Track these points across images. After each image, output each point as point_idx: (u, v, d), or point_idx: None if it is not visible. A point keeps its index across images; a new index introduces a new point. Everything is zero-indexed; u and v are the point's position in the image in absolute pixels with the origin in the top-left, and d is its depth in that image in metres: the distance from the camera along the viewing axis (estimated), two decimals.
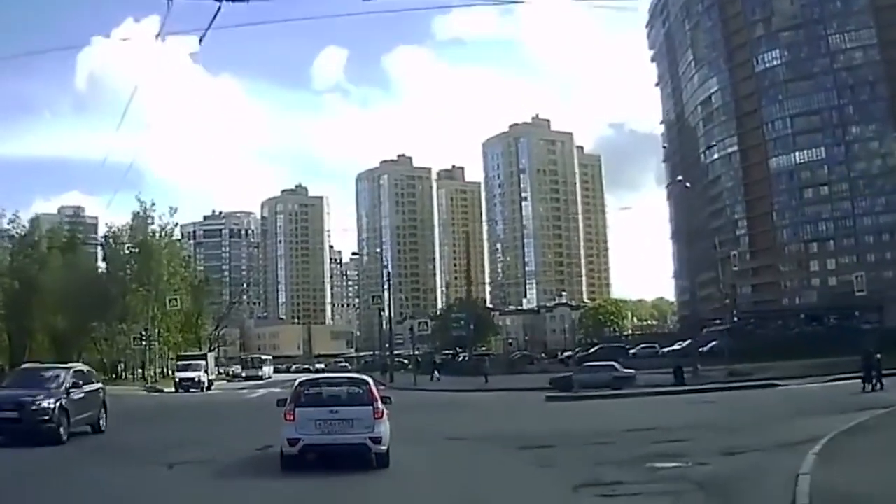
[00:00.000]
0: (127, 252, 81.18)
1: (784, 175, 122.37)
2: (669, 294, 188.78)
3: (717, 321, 77.15)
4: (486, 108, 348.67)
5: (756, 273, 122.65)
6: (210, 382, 66.47)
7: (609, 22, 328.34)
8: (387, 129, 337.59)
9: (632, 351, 75.88)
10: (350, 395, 16.71)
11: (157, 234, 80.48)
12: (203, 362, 66.60)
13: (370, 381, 17.16)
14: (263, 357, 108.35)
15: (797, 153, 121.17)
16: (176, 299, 73.35)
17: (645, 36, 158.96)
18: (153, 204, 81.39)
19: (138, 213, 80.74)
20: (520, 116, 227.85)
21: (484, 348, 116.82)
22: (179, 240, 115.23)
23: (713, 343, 60.54)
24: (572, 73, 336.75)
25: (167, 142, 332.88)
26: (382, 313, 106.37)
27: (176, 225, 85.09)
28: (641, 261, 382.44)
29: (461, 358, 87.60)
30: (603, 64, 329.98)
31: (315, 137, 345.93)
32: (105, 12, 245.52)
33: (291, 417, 15.95)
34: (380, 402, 16.20)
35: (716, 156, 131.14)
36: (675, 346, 71.01)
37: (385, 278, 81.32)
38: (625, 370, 48.77)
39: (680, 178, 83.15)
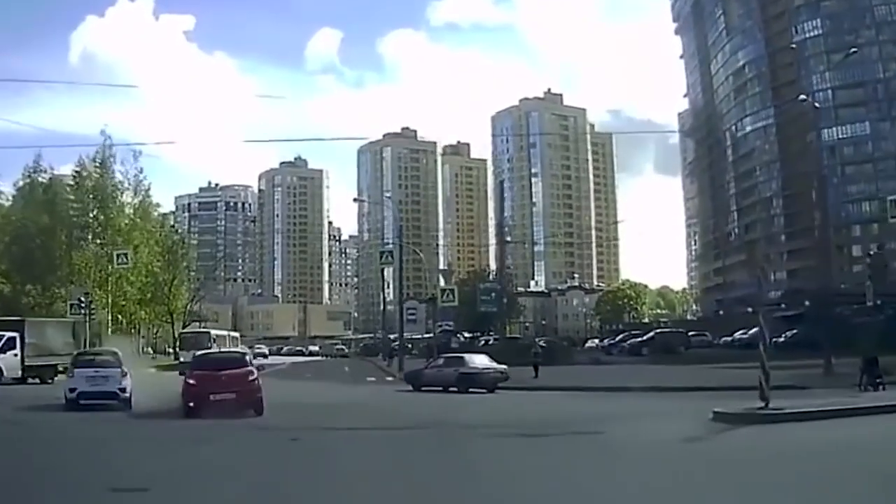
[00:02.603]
0: (79, 197, 67.99)
1: (825, 150, 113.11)
2: (674, 283, 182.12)
3: (782, 305, 67.52)
4: (479, 93, 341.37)
5: (792, 257, 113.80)
6: (25, 371, 38.99)
7: (607, 8, 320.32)
8: (385, 110, 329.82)
9: None
10: (107, 362, 25.90)
11: (121, 180, 67.48)
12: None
13: (118, 352, 27.03)
14: (218, 332, 70.93)
15: (839, 127, 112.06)
16: (125, 255, 56.33)
17: (668, 8, 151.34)
18: (111, 145, 67.42)
19: (98, 156, 66.66)
20: (513, 101, 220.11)
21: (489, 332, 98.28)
22: (170, 214, 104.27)
23: (792, 332, 51.25)
24: (569, 59, 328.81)
25: (161, 118, 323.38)
26: (387, 288, 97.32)
27: (140, 171, 68.57)
28: (643, 248, 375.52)
29: (483, 342, 75.39)
30: (600, 50, 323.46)
31: (311, 117, 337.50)
32: None
33: (72, 375, 25.68)
34: (124, 367, 25.68)
35: (749, 128, 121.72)
36: (739, 334, 61.53)
37: (396, 234, 66.64)
38: (478, 366, 35.48)
39: (802, 96, 63.74)
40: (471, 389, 33.55)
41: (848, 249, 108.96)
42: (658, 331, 71.24)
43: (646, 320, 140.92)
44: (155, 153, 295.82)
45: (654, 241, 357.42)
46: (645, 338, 64.99)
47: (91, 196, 66.75)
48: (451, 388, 34.37)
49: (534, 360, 42.42)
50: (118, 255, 56.37)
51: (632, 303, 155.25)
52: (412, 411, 25.95)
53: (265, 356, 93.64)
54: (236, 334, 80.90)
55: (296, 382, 44.08)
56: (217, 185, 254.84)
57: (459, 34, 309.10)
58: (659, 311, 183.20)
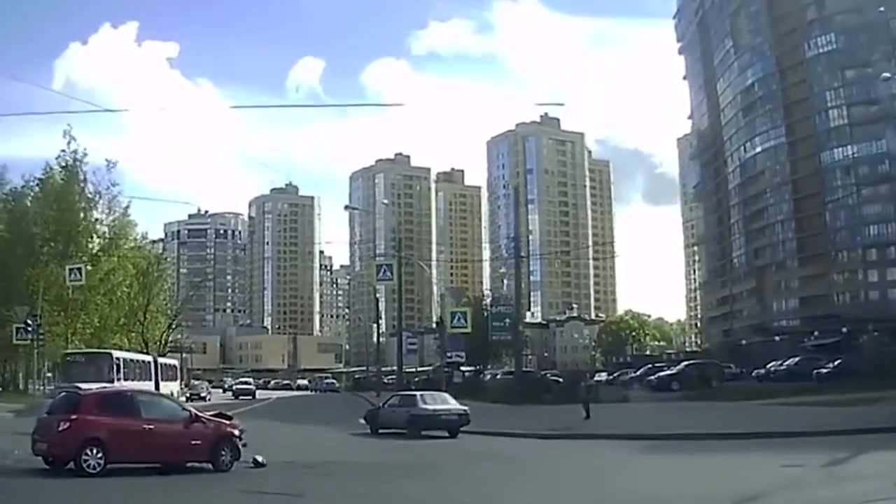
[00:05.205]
0: (42, 207, 60.27)
1: (839, 170, 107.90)
2: (668, 314, 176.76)
3: (815, 333, 61.89)
4: (467, 121, 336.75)
5: (804, 283, 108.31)
6: None
7: (592, 38, 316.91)
8: (370, 139, 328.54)
9: None
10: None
11: (91, 191, 60.61)
12: None
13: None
14: (129, 357, 49.33)
15: (854, 146, 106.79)
16: (79, 269, 48.64)
17: (664, 31, 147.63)
18: (85, 153, 60.78)
19: (62, 160, 59.97)
20: (507, 126, 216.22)
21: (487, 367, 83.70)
22: (159, 241, 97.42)
23: (837, 361, 45.59)
24: (554, 89, 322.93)
25: (145, 145, 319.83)
26: (380, 319, 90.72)
27: (115, 185, 62.27)
28: (638, 280, 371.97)
29: (489, 376, 67.30)
30: (585, 80, 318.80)
31: (297, 145, 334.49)
32: (82, 18, 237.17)
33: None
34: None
35: (758, 149, 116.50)
36: (774, 365, 55.44)
37: (394, 245, 58.94)
38: (430, 406, 30.60)
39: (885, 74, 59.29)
40: (424, 433, 29.10)
41: (864, 274, 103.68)
42: (689, 362, 64.18)
43: (648, 352, 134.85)
44: (142, 180, 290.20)
45: (648, 273, 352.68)
46: (674, 371, 58.34)
47: (55, 206, 60.09)
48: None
49: (585, 397, 35.25)
50: (70, 271, 49.22)
51: (634, 334, 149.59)
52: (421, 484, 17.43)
53: (251, 394, 75.10)
54: (173, 362, 62.37)
55: (273, 425, 36.06)
56: (206, 211, 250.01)
57: (442, 63, 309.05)
58: (658, 342, 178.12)
